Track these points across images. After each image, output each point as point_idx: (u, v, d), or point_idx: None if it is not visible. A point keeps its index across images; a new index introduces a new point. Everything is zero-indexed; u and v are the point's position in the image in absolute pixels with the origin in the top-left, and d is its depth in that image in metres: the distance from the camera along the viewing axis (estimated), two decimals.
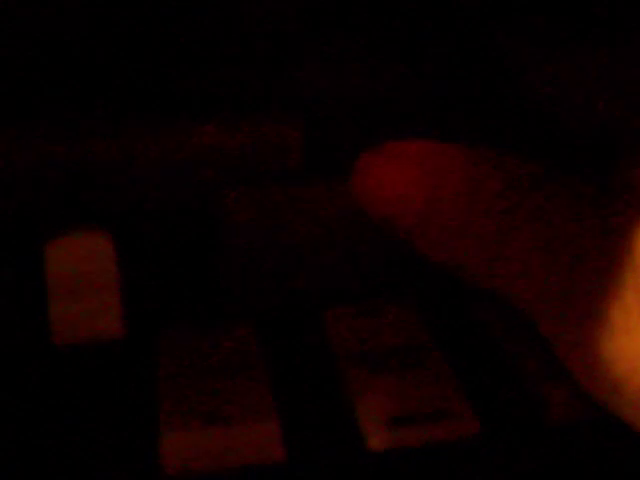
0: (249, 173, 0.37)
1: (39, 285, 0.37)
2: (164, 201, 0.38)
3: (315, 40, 0.39)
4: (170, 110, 0.38)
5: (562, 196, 0.18)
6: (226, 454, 0.32)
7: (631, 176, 0.19)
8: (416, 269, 0.40)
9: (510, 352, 0.36)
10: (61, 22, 0.36)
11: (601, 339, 0.17)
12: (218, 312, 0.39)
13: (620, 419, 0.18)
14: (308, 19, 0.39)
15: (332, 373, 0.36)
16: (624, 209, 0.18)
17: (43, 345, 0.37)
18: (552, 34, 0.37)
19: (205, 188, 0.38)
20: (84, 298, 0.36)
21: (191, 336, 0.38)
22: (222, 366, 0.36)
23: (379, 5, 0.39)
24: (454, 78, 0.40)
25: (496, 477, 0.31)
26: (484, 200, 0.18)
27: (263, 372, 0.35)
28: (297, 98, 0.38)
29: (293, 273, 0.39)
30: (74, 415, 0.34)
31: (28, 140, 0.36)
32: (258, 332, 0.39)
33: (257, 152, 0.37)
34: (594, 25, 0.37)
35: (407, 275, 0.40)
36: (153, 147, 0.37)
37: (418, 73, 0.39)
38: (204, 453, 0.32)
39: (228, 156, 0.37)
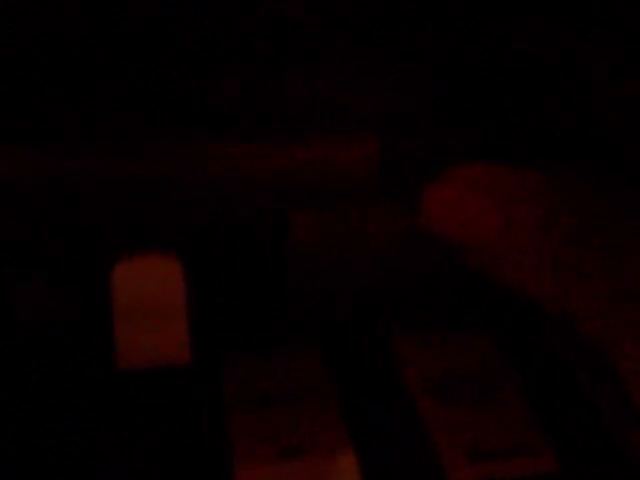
0: (318, 194, 0.36)
1: (105, 310, 0.36)
2: (230, 224, 0.37)
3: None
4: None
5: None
6: None
7: None
8: (489, 298, 0.39)
9: (586, 385, 0.35)
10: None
11: None
12: (284, 338, 0.38)
13: None
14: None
15: (403, 401, 0.35)
16: None
17: (108, 371, 0.36)
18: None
19: (272, 210, 0.37)
20: (151, 324, 0.36)
21: (257, 362, 0.37)
22: (291, 394, 0.35)
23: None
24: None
25: None
26: (558, 225, 0.18)
27: (333, 400, 0.34)
28: (371, 116, 0.37)
29: (361, 296, 0.38)
30: (141, 444, 0.33)
31: (93, 164, 0.35)
32: (325, 358, 0.38)
33: (328, 172, 0.37)
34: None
35: (480, 303, 0.39)
36: (219, 169, 0.36)
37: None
38: None
39: (297, 177, 0.36)
